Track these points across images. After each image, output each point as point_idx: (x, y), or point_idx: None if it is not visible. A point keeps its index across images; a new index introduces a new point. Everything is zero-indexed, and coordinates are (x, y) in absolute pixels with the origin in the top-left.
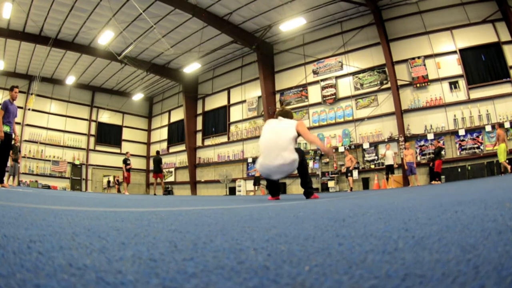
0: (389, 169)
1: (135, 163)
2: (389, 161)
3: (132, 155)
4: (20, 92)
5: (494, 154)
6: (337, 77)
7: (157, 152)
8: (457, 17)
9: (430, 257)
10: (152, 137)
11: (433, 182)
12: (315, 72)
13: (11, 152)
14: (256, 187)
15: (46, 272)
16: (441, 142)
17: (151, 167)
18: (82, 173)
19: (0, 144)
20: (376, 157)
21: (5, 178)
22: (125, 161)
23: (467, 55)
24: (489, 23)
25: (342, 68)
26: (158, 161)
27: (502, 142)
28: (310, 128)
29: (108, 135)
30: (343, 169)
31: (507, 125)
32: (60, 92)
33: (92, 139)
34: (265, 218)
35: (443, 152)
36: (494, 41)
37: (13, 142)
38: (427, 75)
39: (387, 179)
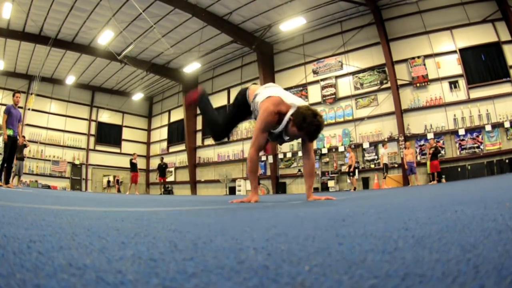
0: (385, 168)
1: None
2: (385, 159)
3: (132, 155)
4: (20, 92)
5: (494, 154)
6: (337, 77)
7: (161, 159)
8: (457, 17)
9: (430, 256)
10: (152, 137)
11: (432, 182)
12: (315, 72)
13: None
14: None
15: (46, 272)
16: (441, 141)
17: (151, 167)
18: (82, 173)
19: (5, 147)
20: (376, 157)
21: (10, 179)
22: (130, 161)
23: (467, 54)
24: (489, 23)
25: (342, 67)
26: (163, 167)
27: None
28: None
29: (108, 135)
30: (347, 169)
31: (507, 124)
32: (60, 92)
33: (92, 139)
34: (265, 218)
35: (443, 152)
36: (494, 41)
37: (18, 144)
38: (427, 74)
39: (384, 177)
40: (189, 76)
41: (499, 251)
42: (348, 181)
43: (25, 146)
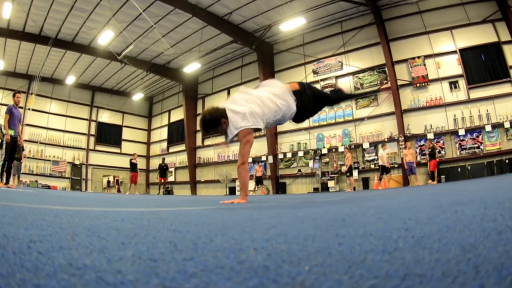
0: (383, 170)
1: None
2: (383, 161)
3: (132, 155)
4: (20, 92)
5: (494, 154)
6: (337, 77)
7: (163, 159)
8: (457, 17)
9: (430, 256)
10: (152, 137)
11: (429, 181)
12: (315, 72)
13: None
14: (257, 186)
15: (46, 272)
16: (441, 141)
17: (151, 167)
18: (82, 173)
19: (6, 147)
20: (376, 157)
21: (10, 179)
22: (130, 161)
23: (467, 55)
24: (489, 23)
25: (342, 68)
26: (163, 168)
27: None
28: (310, 128)
29: (108, 135)
30: (345, 169)
31: (507, 125)
32: (60, 92)
33: (92, 139)
34: (265, 218)
35: (443, 152)
36: (494, 41)
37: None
38: (427, 75)
39: (380, 179)
40: (189, 76)
41: (499, 251)
42: (348, 181)
43: (22, 149)
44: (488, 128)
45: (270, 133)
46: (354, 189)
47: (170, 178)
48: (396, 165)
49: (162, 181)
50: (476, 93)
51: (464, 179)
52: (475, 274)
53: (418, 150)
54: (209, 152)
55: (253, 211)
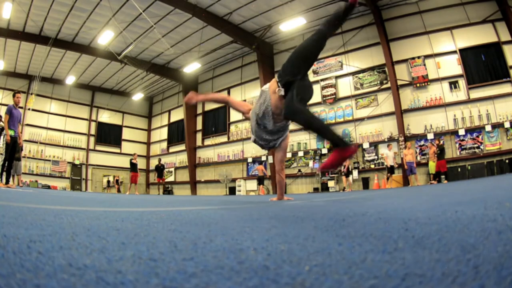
0: (391, 169)
1: None
2: (390, 161)
3: (132, 155)
4: (20, 92)
5: (494, 154)
6: (337, 77)
7: (159, 160)
8: (457, 17)
9: (430, 257)
10: (152, 137)
11: (433, 182)
12: (315, 72)
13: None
14: (258, 186)
15: (46, 272)
16: (441, 141)
17: (151, 167)
18: (82, 173)
19: (6, 147)
20: (376, 157)
21: (10, 179)
22: (130, 161)
23: (467, 55)
24: (489, 23)
25: (342, 68)
26: (161, 168)
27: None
28: None
29: (108, 135)
30: (344, 170)
31: (507, 125)
32: (60, 92)
33: (92, 139)
34: (265, 218)
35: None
36: (494, 41)
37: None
38: (427, 75)
39: (388, 178)
40: (189, 76)
41: (499, 251)
42: (347, 181)
43: (21, 149)
44: (488, 128)
45: None
46: (344, 189)
47: (170, 178)
48: (396, 165)
49: (160, 181)
50: (476, 93)
51: (464, 179)
52: (475, 274)
53: (418, 150)
54: (209, 152)
55: (253, 211)
